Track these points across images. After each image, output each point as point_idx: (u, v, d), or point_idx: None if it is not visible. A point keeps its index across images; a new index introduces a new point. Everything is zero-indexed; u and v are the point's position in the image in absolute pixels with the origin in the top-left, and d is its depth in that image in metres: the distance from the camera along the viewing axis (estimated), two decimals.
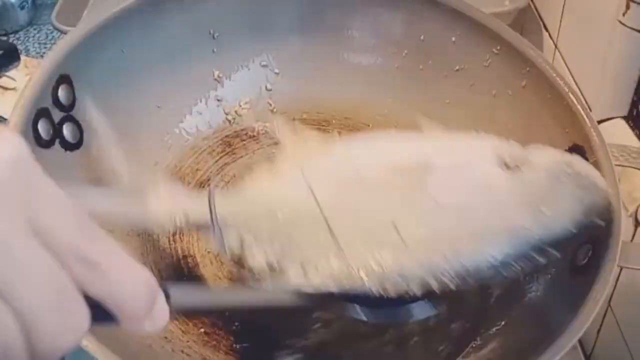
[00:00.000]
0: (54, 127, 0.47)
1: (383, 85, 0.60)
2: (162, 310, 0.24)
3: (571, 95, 0.50)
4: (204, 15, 0.57)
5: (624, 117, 0.56)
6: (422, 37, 0.59)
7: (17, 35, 0.92)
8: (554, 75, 0.52)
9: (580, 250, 0.45)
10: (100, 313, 0.22)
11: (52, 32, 0.93)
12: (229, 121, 0.60)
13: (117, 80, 0.53)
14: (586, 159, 0.48)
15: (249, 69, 0.60)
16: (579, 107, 0.49)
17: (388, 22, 0.59)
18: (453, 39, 0.57)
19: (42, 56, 0.86)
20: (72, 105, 0.49)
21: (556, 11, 0.67)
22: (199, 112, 0.59)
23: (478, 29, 0.56)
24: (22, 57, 0.78)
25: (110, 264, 0.22)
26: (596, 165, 0.47)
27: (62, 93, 0.48)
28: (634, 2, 0.50)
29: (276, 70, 0.61)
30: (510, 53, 0.54)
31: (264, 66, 0.61)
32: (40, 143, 0.46)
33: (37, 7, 0.96)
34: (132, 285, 0.23)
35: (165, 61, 0.56)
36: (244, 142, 0.59)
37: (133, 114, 0.54)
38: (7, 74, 0.76)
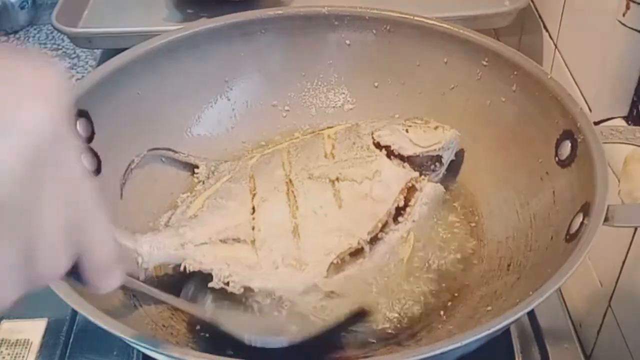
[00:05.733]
0: None
1: (385, 110, 0.63)
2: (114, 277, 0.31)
3: (555, 87, 0.52)
4: (217, 63, 0.62)
5: (624, 117, 0.57)
6: (417, 64, 0.62)
7: (17, 35, 0.90)
8: (540, 72, 0.54)
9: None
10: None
11: (52, 32, 0.90)
12: None
13: (133, 121, 0.57)
14: (575, 140, 0.49)
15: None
16: (563, 95, 0.51)
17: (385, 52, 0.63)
18: (445, 60, 0.60)
19: None
20: (90, 138, 0.53)
21: (556, 11, 0.68)
22: None
23: (466, 45, 0.59)
24: None
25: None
26: (584, 143, 0.48)
27: (80, 126, 0.53)
28: (634, 2, 0.51)
29: (287, 108, 0.65)
30: (498, 62, 0.57)
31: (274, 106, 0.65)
32: None
33: (37, 7, 0.94)
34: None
35: (177, 105, 0.61)
36: None
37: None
38: None
